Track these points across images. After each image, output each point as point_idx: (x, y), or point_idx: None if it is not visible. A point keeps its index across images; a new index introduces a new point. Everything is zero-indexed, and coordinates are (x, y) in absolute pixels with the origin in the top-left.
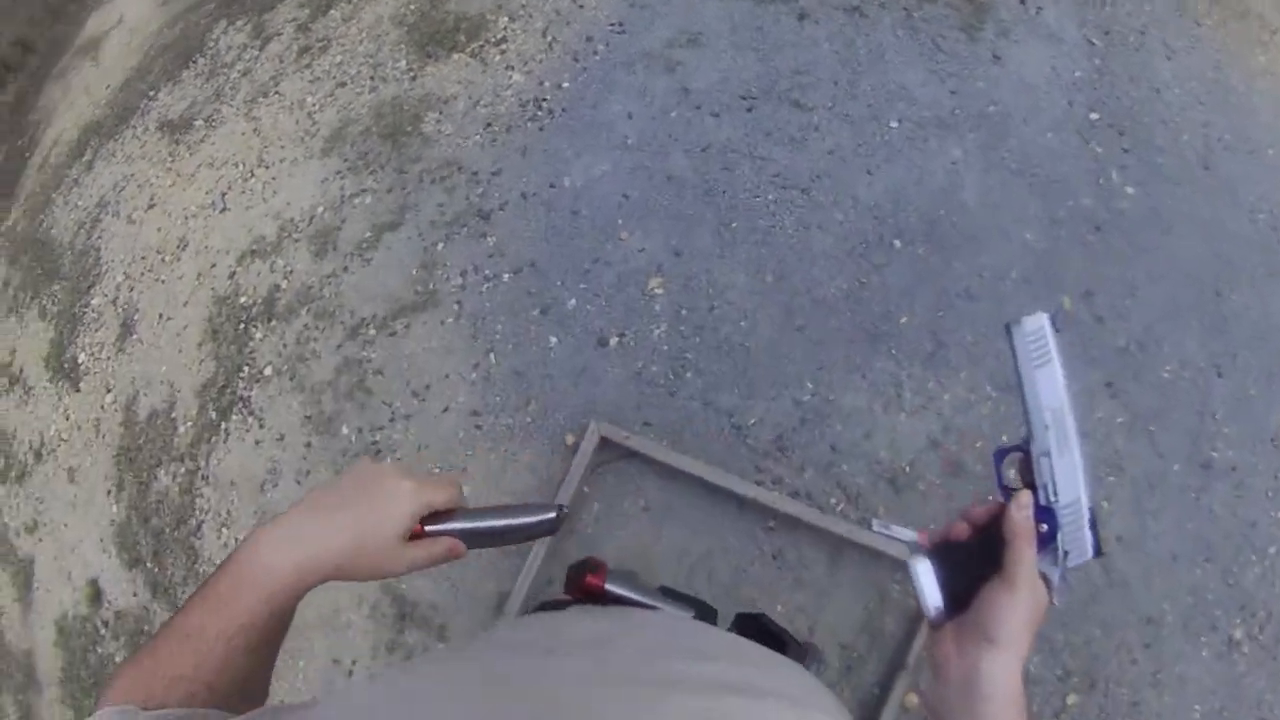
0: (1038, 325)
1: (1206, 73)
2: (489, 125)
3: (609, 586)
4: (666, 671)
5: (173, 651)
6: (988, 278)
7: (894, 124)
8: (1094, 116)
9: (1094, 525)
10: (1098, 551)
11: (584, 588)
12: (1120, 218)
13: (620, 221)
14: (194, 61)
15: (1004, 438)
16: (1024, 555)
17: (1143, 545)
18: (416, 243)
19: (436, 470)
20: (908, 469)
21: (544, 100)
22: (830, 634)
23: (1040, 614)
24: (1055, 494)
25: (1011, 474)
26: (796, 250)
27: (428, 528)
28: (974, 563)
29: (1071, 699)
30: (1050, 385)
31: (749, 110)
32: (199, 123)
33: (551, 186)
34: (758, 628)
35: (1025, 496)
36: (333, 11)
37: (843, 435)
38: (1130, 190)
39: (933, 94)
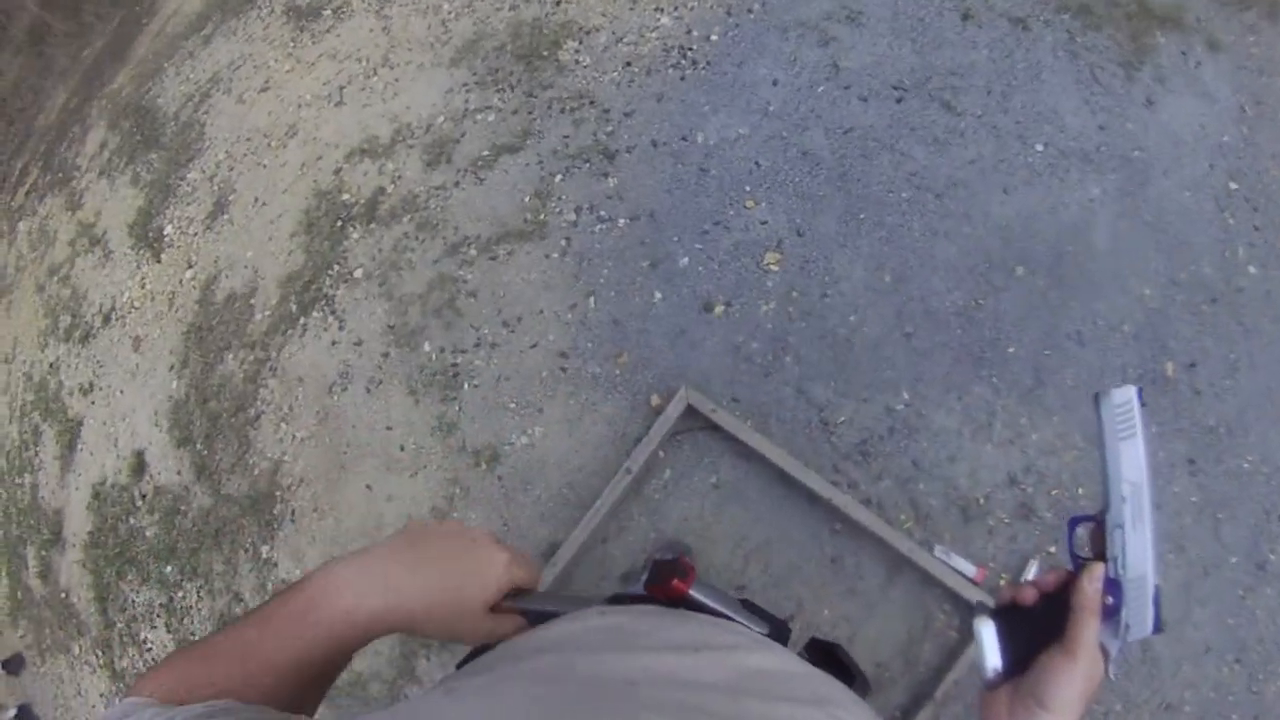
0: (1126, 398)
1: None
2: (628, 64)
3: (694, 593)
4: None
5: (226, 665)
6: (1100, 326)
7: (1039, 147)
8: (1233, 186)
9: (1157, 602)
10: (1158, 628)
11: (670, 590)
12: (1238, 295)
13: (748, 188)
14: None
15: (1080, 490)
16: (1089, 626)
17: (1183, 631)
18: (535, 170)
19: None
20: (982, 501)
21: (689, 50)
22: (868, 649)
23: (1095, 685)
24: (1124, 567)
25: (1083, 543)
26: (919, 255)
27: (505, 603)
28: (1037, 628)
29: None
30: (1132, 459)
31: (898, 101)
32: (327, 12)
33: (683, 139)
34: (831, 658)
35: (1098, 569)
36: None
37: (927, 453)
38: (1253, 270)
39: (1082, 125)
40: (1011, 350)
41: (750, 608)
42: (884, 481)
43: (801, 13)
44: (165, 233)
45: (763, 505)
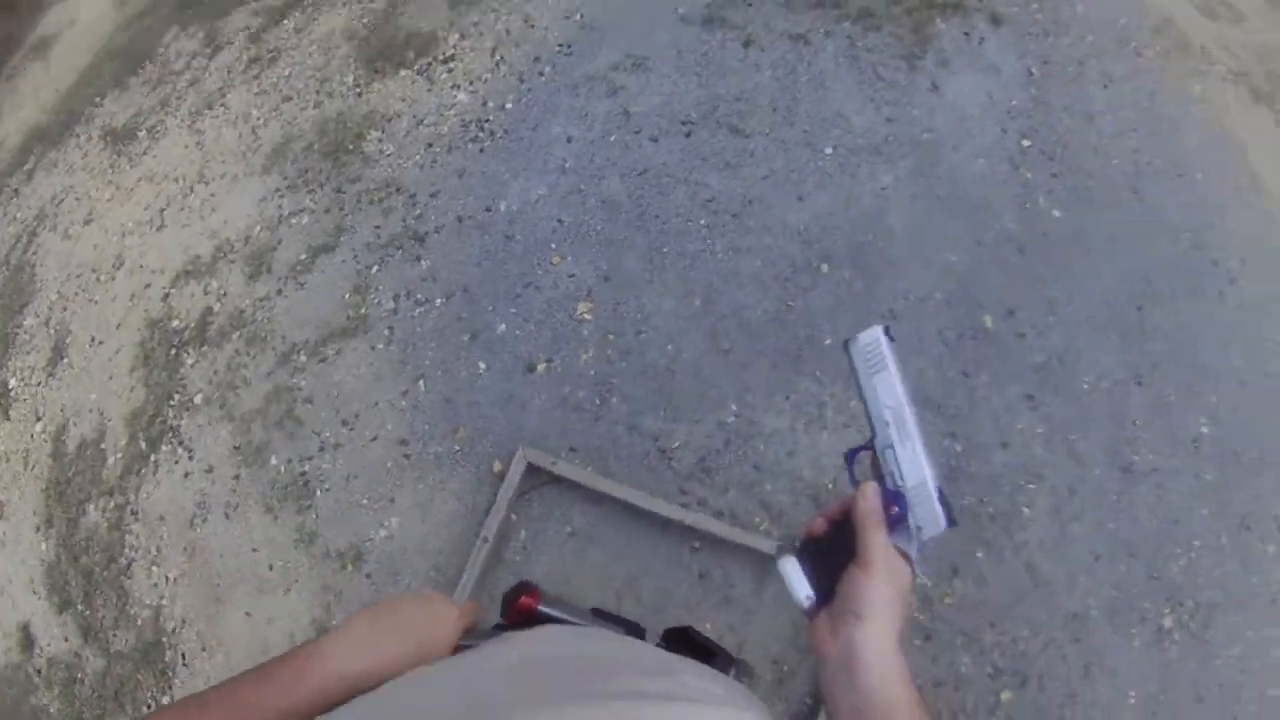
0: (873, 338)
1: (1141, 101)
2: (430, 145)
3: (542, 608)
4: (593, 686)
5: (219, 713)
6: (911, 300)
7: (828, 150)
8: (1026, 143)
9: (944, 501)
10: (950, 522)
11: (519, 609)
12: (1044, 240)
13: (553, 246)
14: (143, 68)
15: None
16: (874, 538)
17: (1063, 548)
18: (350, 266)
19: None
20: (830, 485)
21: (486, 121)
22: (761, 649)
23: (904, 587)
24: (902, 478)
25: (864, 470)
26: (724, 274)
27: (460, 642)
28: (836, 553)
29: (1005, 695)
30: (887, 387)
31: (687, 135)
32: (142, 133)
33: (487, 210)
34: (685, 641)
35: (868, 487)
36: (286, 21)
37: (765, 455)
38: (1056, 214)
39: (869, 122)
40: (828, 342)
41: (601, 615)
42: (730, 492)
43: (589, 68)
44: (10, 386)
45: (621, 542)
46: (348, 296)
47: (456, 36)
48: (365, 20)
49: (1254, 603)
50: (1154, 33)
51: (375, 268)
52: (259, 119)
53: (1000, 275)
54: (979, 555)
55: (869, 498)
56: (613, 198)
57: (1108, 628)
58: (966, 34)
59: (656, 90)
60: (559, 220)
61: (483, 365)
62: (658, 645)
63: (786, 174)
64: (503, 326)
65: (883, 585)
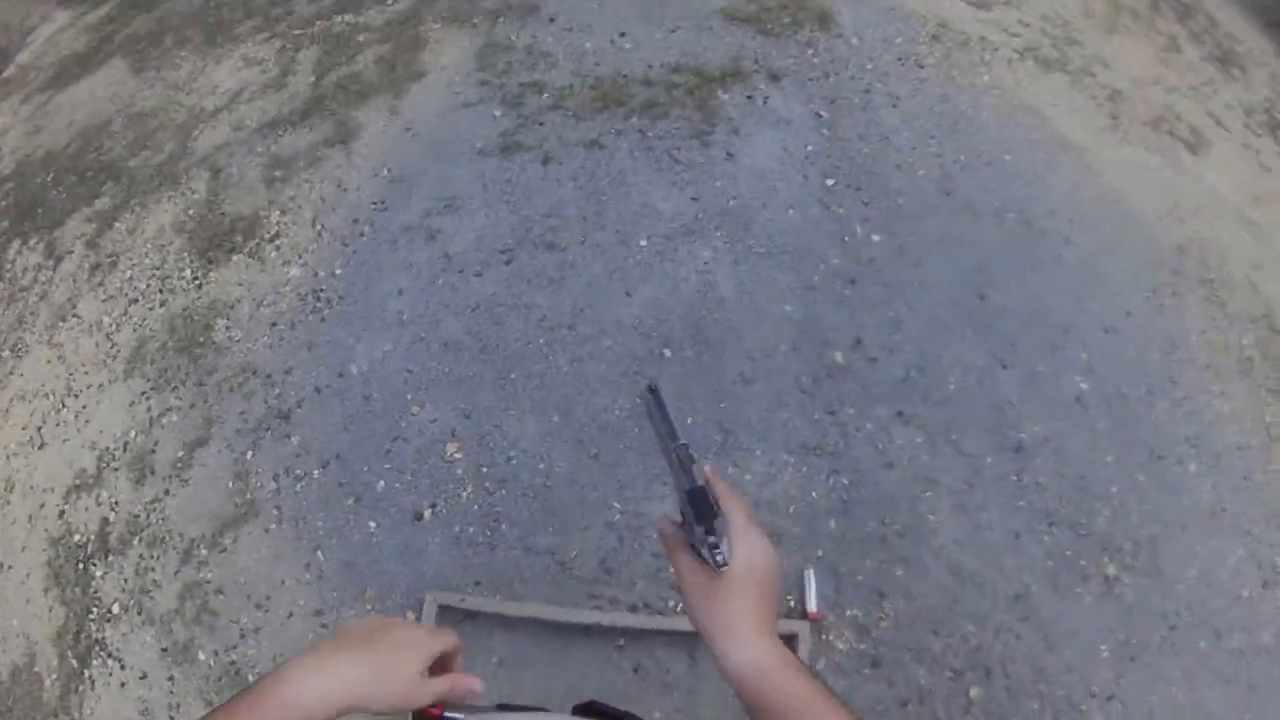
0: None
1: (933, 107)
2: (274, 324)
3: (447, 713)
4: None
5: None
6: (759, 358)
7: (643, 243)
8: (830, 182)
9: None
10: (692, 482)
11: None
12: (872, 265)
13: (409, 396)
14: None
15: (813, 494)
16: (677, 562)
17: (980, 539)
18: (227, 455)
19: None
20: None
21: (321, 290)
22: None
23: (733, 582)
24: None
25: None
26: (575, 385)
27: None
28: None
29: (974, 692)
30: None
31: (508, 263)
32: (5, 353)
33: (340, 376)
34: (593, 711)
35: (658, 519)
36: (118, 224)
37: (659, 541)
38: (876, 238)
39: (675, 205)
40: (691, 420)
41: (507, 708)
42: (638, 584)
43: (405, 218)
44: None
45: (548, 659)
46: (231, 485)
47: (277, 213)
48: (190, 212)
49: (1193, 521)
50: (932, 40)
51: (250, 452)
52: (111, 325)
53: (838, 310)
54: (899, 573)
55: (660, 526)
56: (453, 339)
57: (1053, 596)
58: (749, 97)
59: (470, 227)
60: (409, 371)
61: (372, 524)
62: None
63: (609, 276)
64: (381, 483)
65: (701, 605)
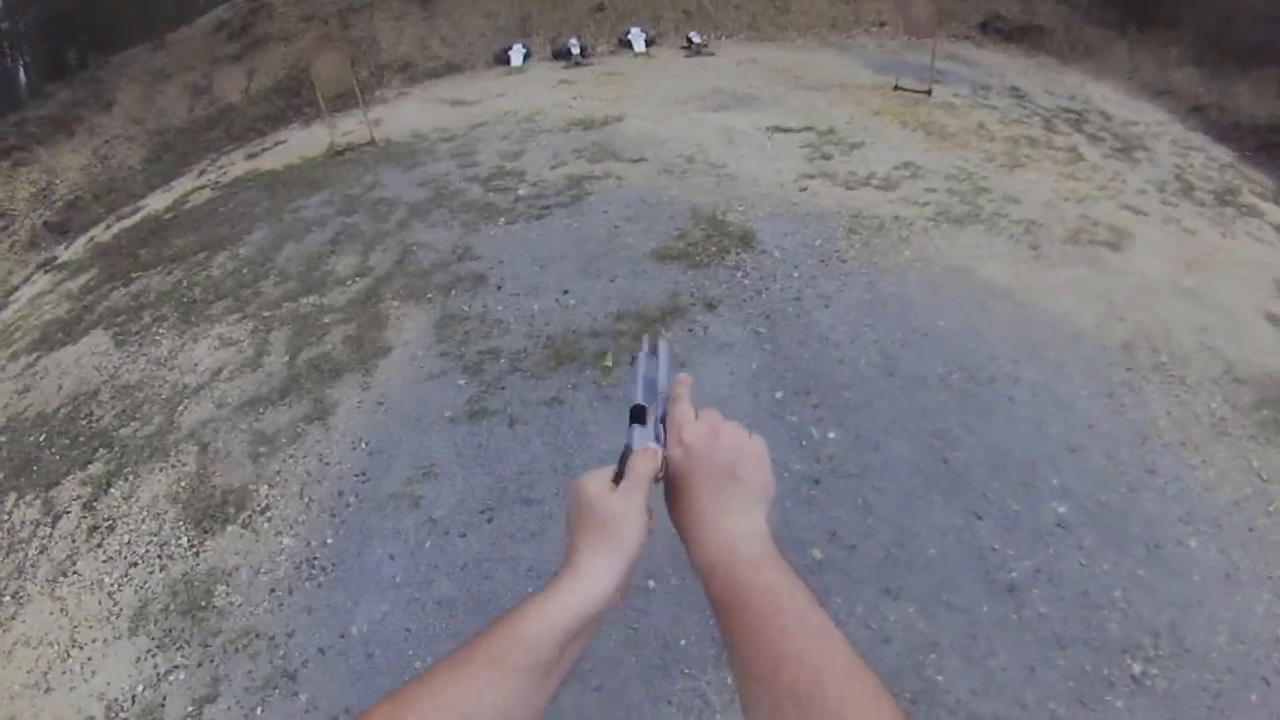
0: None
1: (862, 296)
2: (273, 590)
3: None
4: None
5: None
6: None
7: None
8: (779, 395)
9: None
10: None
11: None
12: (832, 461)
13: (410, 652)
14: None
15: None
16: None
17: (995, 683)
18: (236, 711)
19: None
20: None
21: (315, 559)
22: None
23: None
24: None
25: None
26: None
27: None
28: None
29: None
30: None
31: (490, 521)
32: (7, 599)
33: (342, 637)
34: None
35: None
36: (113, 490)
37: None
38: (832, 435)
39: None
40: (683, 643)
41: None
42: None
43: (388, 488)
44: None
45: None
46: None
47: (265, 487)
48: (183, 483)
49: (1208, 591)
50: (849, 233)
51: (259, 709)
52: (112, 585)
53: (808, 512)
54: None
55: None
56: (446, 596)
57: (1083, 713)
58: (690, 330)
59: (450, 491)
60: (408, 629)
61: None
62: None
63: None
64: None
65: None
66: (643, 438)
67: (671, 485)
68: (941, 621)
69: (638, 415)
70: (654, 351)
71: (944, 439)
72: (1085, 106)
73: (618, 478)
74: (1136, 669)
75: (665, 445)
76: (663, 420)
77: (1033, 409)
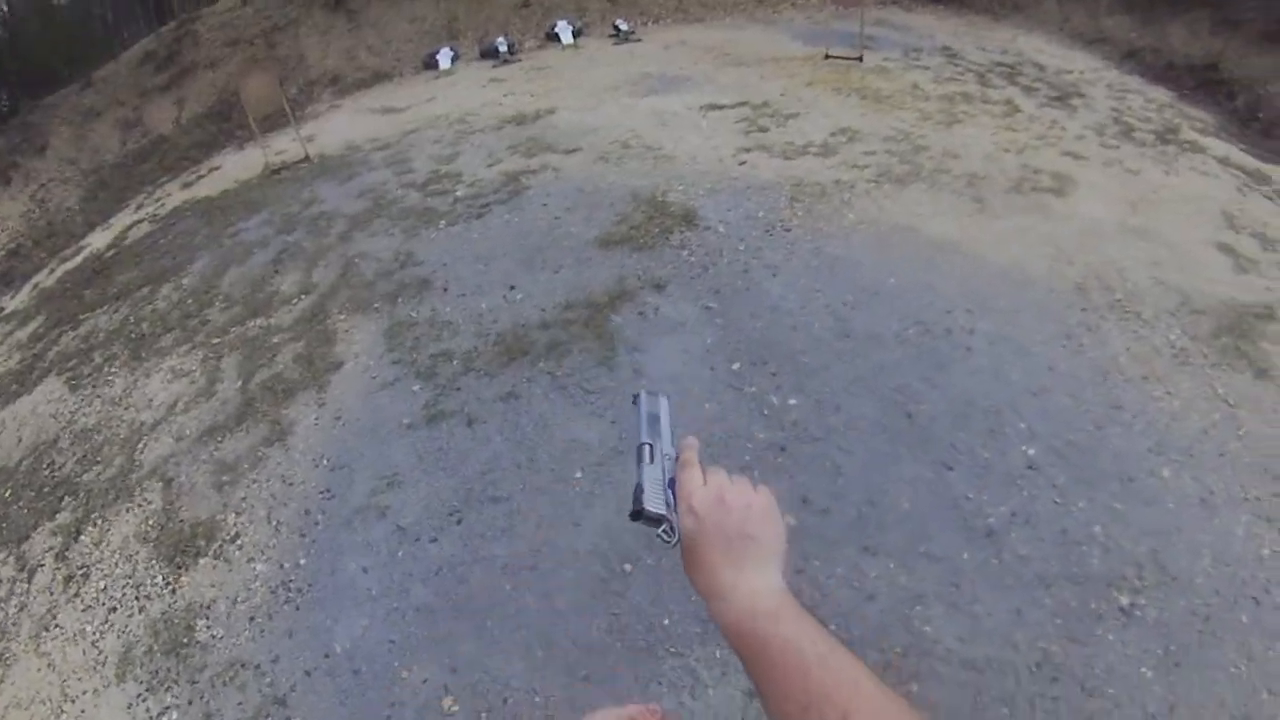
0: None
1: (810, 262)
2: (252, 618)
3: None
4: None
5: None
6: None
7: (578, 474)
8: (735, 366)
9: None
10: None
11: None
12: (796, 427)
13: (396, 664)
14: None
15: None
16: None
17: (982, 628)
18: None
19: None
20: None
21: (290, 581)
22: None
23: (711, 541)
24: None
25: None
26: (549, 618)
27: None
28: None
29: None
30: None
31: (458, 523)
32: None
33: (326, 656)
34: None
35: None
36: (83, 536)
37: None
38: (793, 401)
39: (599, 433)
40: (666, 622)
41: None
42: None
43: (353, 502)
44: None
45: None
46: None
47: (233, 515)
48: (150, 521)
49: (1186, 518)
50: (792, 202)
51: None
52: (94, 633)
53: (778, 478)
54: (914, 689)
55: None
56: (424, 603)
57: (1075, 648)
58: (641, 313)
59: (416, 497)
60: (390, 640)
61: None
62: None
63: (555, 513)
64: None
65: (688, 573)
66: (651, 476)
67: (687, 553)
68: (923, 573)
69: (644, 453)
70: (654, 393)
71: (906, 394)
72: (1018, 60)
73: (635, 515)
74: (1124, 601)
75: (676, 511)
76: (671, 485)
77: (991, 358)
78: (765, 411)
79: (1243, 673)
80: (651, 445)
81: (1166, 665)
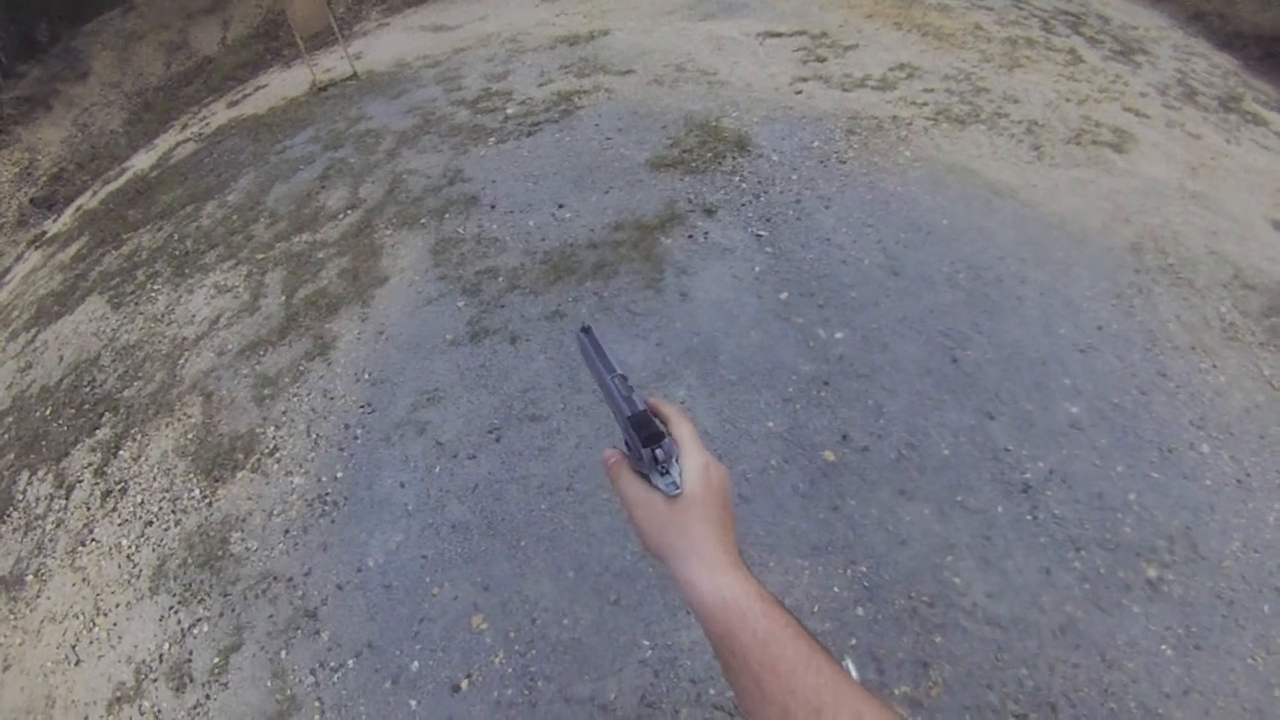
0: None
1: (864, 196)
2: (287, 531)
3: None
4: None
5: None
6: (753, 477)
7: None
8: (784, 296)
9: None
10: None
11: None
12: (842, 362)
13: (428, 579)
14: (8, 516)
15: (835, 589)
16: (620, 489)
17: (1011, 585)
18: (261, 656)
19: None
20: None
21: (326, 494)
22: None
23: (685, 507)
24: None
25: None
26: (583, 540)
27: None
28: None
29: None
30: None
31: (497, 440)
32: (29, 578)
33: (359, 570)
34: None
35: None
36: (122, 452)
37: (694, 667)
38: (839, 335)
39: (644, 355)
40: None
41: None
42: (681, 712)
43: (394, 416)
44: None
45: None
46: (270, 683)
47: (272, 429)
48: (190, 435)
49: (1221, 497)
50: (847, 134)
51: (283, 651)
52: (130, 546)
53: (820, 413)
54: (938, 640)
55: (604, 455)
56: (460, 520)
57: (1099, 615)
58: (690, 237)
59: (456, 414)
60: (423, 556)
61: (413, 703)
62: None
63: (594, 434)
64: (415, 664)
65: (660, 531)
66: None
67: (678, 512)
68: (957, 523)
69: (645, 428)
70: (592, 339)
71: (953, 338)
72: (1083, 10)
73: (651, 438)
74: (1152, 573)
75: (678, 461)
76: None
77: (1041, 309)
78: (811, 344)
79: (1259, 665)
80: (625, 377)
81: (1186, 646)
